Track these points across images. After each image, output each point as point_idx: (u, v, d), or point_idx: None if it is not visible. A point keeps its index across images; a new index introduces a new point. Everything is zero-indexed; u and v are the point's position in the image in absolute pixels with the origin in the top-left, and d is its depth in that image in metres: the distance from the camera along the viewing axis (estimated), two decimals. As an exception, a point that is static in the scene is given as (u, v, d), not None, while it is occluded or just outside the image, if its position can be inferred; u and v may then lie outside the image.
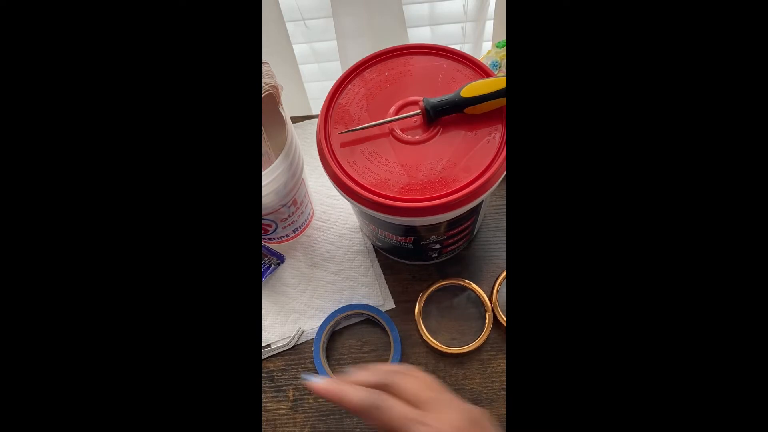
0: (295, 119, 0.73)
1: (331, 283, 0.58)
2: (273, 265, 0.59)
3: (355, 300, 0.56)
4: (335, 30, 0.70)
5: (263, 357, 0.54)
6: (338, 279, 0.58)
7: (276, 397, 0.52)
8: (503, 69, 0.60)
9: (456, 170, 0.42)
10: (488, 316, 0.53)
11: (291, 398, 0.52)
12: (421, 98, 0.44)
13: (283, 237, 0.59)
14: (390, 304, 0.56)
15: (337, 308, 0.55)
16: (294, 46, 0.73)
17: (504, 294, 0.55)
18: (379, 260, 0.59)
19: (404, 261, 0.58)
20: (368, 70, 0.49)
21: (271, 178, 0.46)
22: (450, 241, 0.51)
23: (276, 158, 0.47)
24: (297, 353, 0.54)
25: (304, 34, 0.77)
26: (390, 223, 0.45)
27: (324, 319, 0.54)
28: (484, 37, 0.77)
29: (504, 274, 0.55)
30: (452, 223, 0.46)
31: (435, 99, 0.43)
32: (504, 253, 0.57)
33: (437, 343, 0.52)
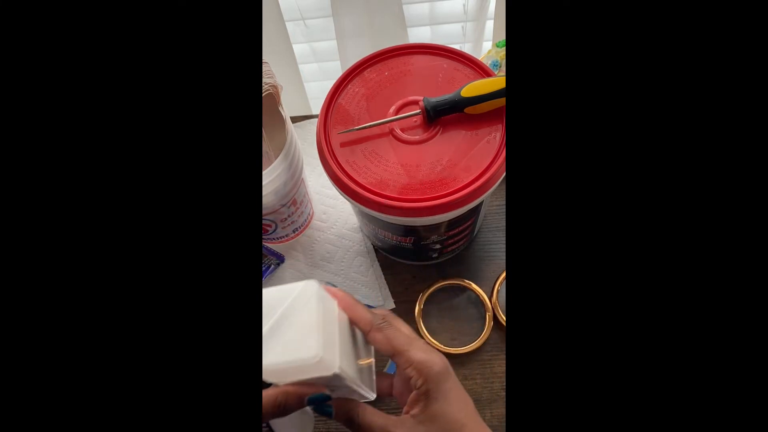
0: (295, 119, 0.73)
1: (331, 283, 0.58)
2: (273, 266, 0.58)
3: (355, 300, 0.56)
4: (335, 30, 0.70)
5: (263, 357, 0.54)
6: (338, 279, 0.58)
7: (276, 397, 0.52)
8: (503, 69, 0.60)
9: (456, 170, 0.41)
10: (488, 316, 0.53)
11: (291, 398, 0.52)
12: (421, 98, 0.44)
13: (283, 237, 0.58)
14: (390, 304, 0.56)
15: (337, 308, 0.55)
16: (294, 46, 0.73)
17: (504, 294, 0.55)
18: (379, 260, 0.58)
19: (404, 261, 0.58)
20: (368, 70, 0.49)
21: (271, 178, 0.46)
22: (450, 241, 0.51)
23: (276, 158, 0.47)
24: (297, 353, 0.54)
25: (304, 33, 0.76)
26: (390, 223, 0.45)
27: (324, 319, 0.54)
28: (484, 37, 0.77)
29: (504, 274, 0.55)
30: (452, 223, 0.46)
31: (435, 99, 0.43)
32: (504, 253, 0.57)
33: (437, 343, 0.52)
